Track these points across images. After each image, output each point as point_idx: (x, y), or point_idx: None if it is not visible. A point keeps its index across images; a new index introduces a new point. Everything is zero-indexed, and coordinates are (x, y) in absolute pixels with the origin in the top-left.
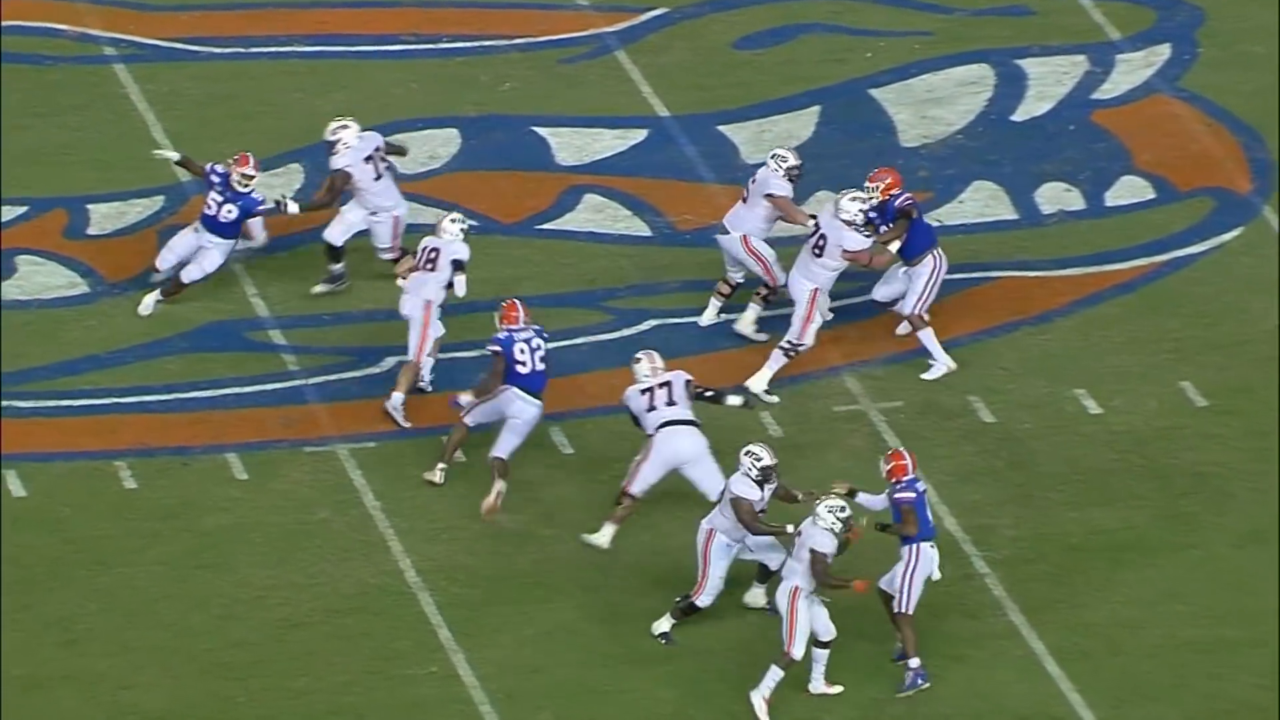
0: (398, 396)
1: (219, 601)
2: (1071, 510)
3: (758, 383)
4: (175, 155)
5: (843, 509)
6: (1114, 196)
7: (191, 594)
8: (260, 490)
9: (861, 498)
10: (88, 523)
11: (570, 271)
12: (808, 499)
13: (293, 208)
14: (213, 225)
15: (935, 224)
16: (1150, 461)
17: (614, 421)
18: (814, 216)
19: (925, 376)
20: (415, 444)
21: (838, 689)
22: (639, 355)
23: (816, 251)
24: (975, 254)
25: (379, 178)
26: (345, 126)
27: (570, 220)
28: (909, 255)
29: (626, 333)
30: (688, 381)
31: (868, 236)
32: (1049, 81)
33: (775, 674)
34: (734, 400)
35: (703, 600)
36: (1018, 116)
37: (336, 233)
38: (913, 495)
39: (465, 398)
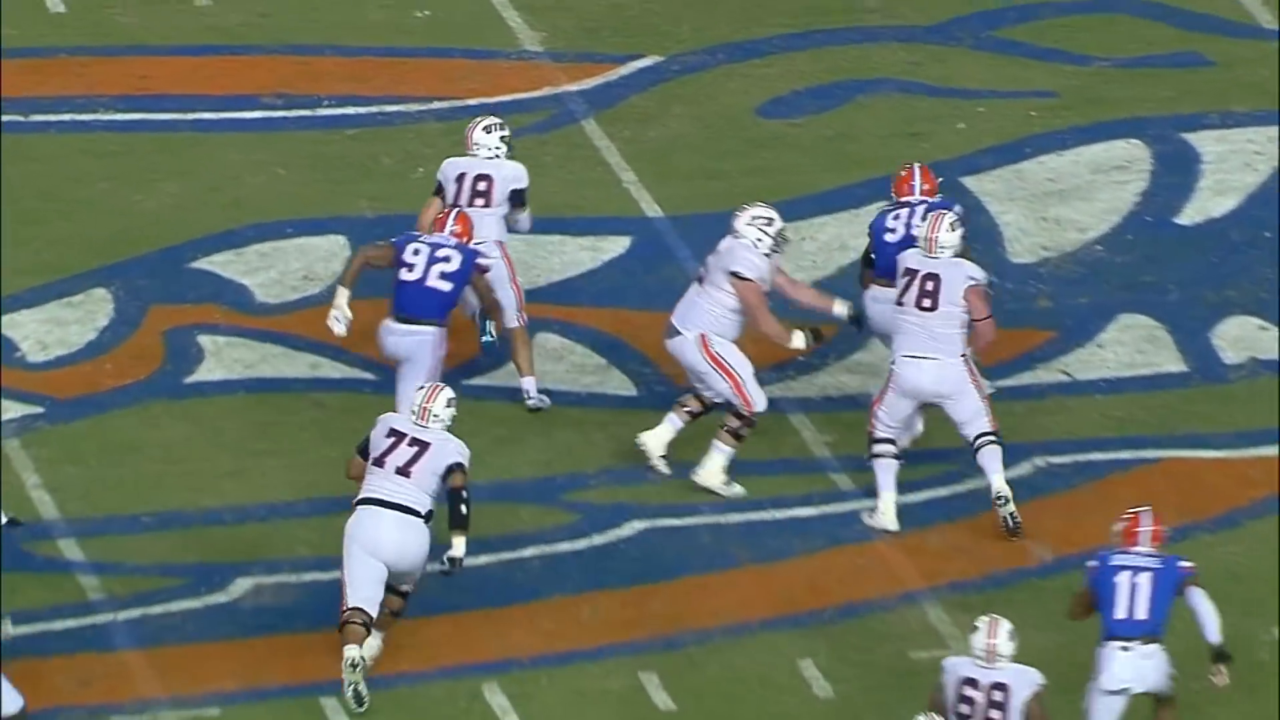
0: (529, 382)
1: None
2: None
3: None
4: None
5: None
6: None
7: None
8: None
9: None
10: None
11: (516, 450)
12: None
13: None
14: None
15: (1065, 377)
16: None
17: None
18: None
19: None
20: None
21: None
22: None
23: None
24: (1123, 424)
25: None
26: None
27: (515, 373)
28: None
29: (598, 540)
30: None
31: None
32: (1233, 166)
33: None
34: None
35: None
36: (1186, 219)
37: None
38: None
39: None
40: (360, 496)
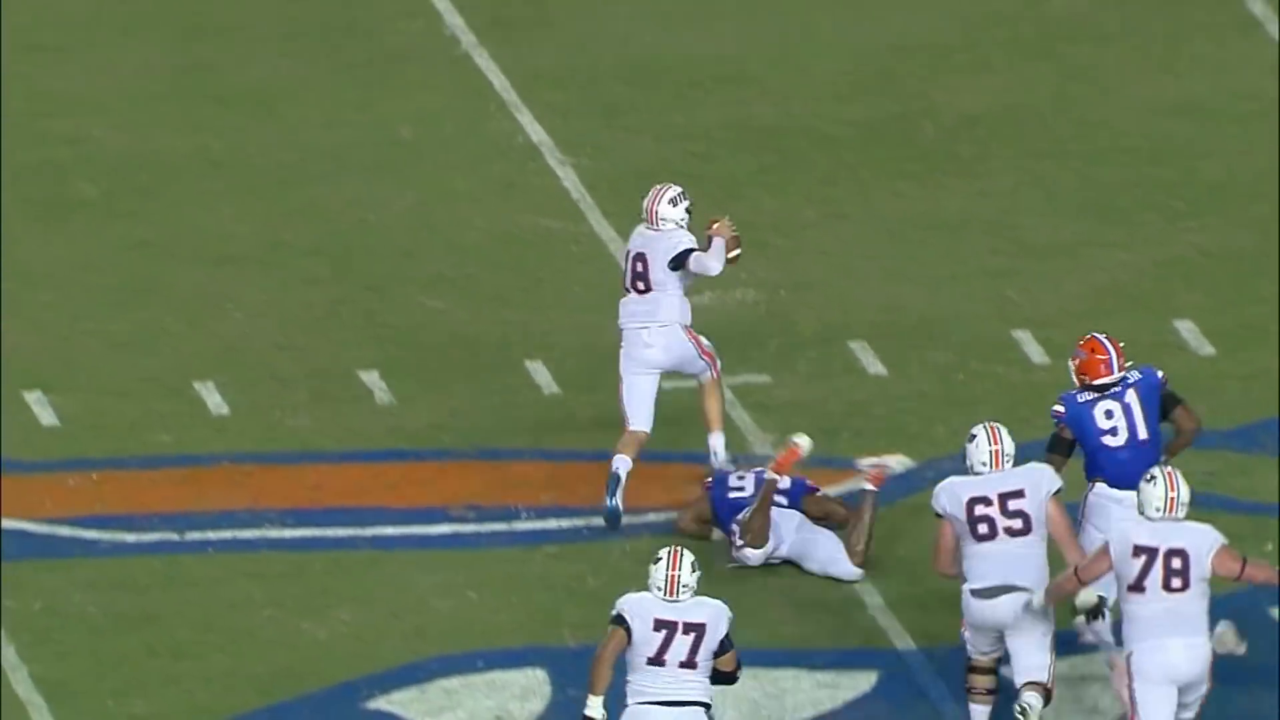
0: (716, 439)
1: None
2: None
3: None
4: None
5: None
6: None
7: None
8: None
9: None
10: None
11: None
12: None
13: None
14: None
15: None
16: None
17: None
18: None
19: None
20: None
21: None
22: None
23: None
24: None
25: None
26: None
27: None
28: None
29: None
30: None
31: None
32: None
33: None
34: None
35: None
36: None
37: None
38: None
39: None
40: (639, 701)
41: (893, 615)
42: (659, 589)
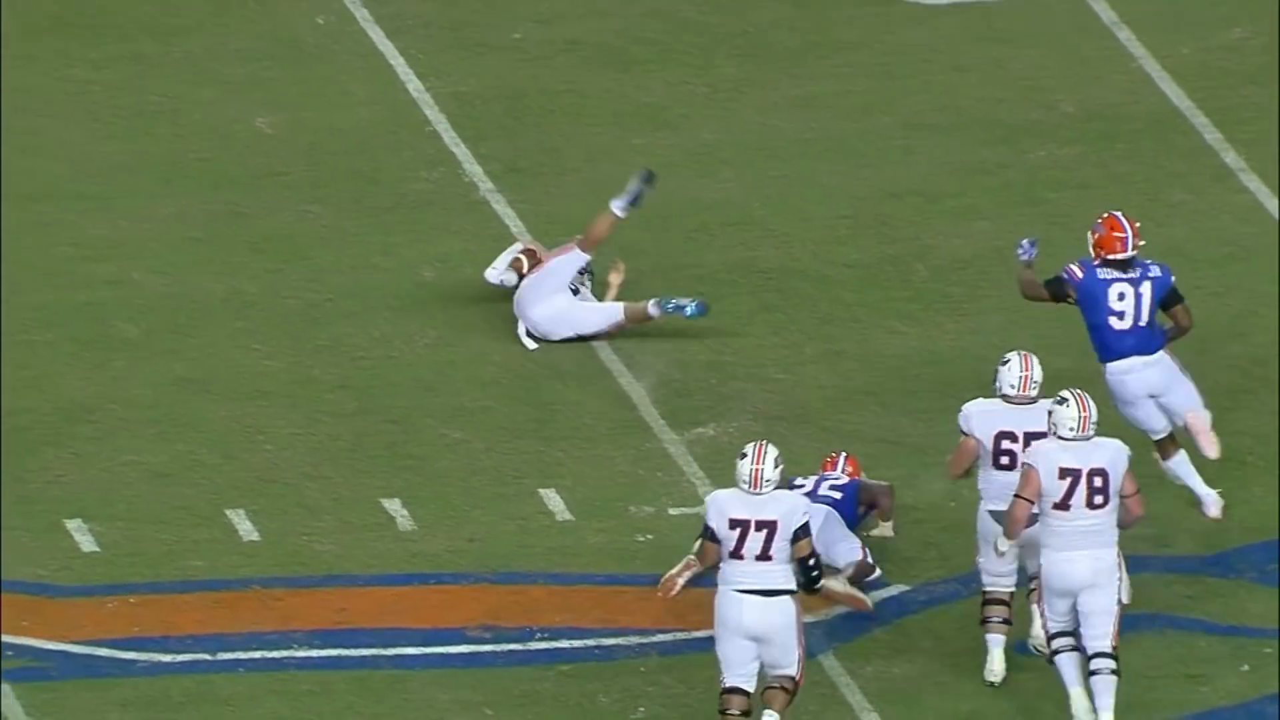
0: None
1: None
2: None
3: None
4: None
5: None
6: None
7: None
8: None
9: None
10: None
11: None
12: None
13: None
14: None
15: None
16: None
17: None
18: None
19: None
20: None
21: None
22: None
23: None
24: None
25: None
26: None
27: None
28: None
29: None
30: None
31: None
32: None
33: None
34: None
35: None
36: None
37: None
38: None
39: None
40: (726, 587)
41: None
42: (744, 482)
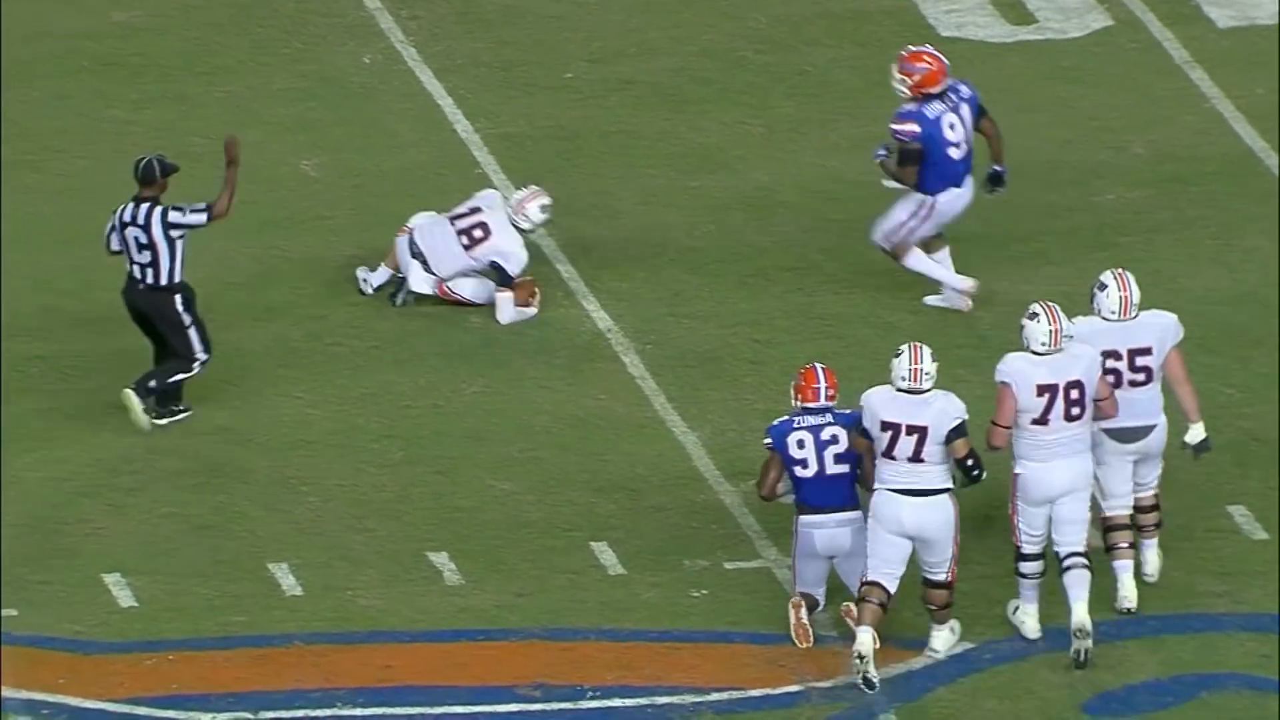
0: None
1: None
2: None
3: None
4: None
5: None
6: None
7: None
8: None
9: None
10: None
11: None
12: None
13: None
14: None
15: None
16: None
17: None
18: None
19: (928, 301)
20: None
21: None
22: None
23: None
24: None
25: None
26: None
27: None
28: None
29: None
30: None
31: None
32: None
33: None
34: None
35: None
36: None
37: None
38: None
39: None
40: (882, 487)
41: None
42: (903, 379)
